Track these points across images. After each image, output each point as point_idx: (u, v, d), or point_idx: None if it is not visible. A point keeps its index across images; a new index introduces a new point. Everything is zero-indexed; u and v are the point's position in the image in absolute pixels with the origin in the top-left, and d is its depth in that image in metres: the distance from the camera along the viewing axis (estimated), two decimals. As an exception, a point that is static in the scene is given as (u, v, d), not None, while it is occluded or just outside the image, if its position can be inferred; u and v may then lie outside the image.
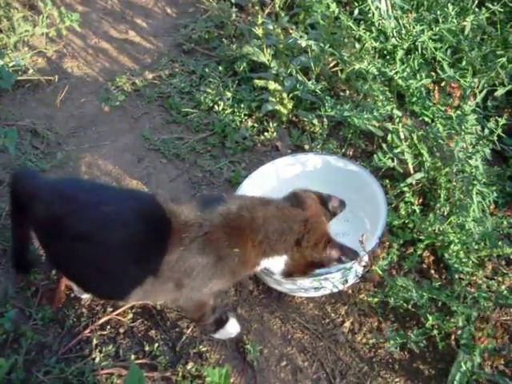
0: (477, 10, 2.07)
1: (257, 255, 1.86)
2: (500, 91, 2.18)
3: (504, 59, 2.21)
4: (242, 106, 2.90)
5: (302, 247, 1.86)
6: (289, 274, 1.94)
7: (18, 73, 3.13)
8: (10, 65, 3.04)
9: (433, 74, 2.29)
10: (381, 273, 1.90)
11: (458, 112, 1.83)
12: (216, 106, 2.94)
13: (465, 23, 2.04)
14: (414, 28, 2.04)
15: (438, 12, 2.00)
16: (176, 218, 1.79)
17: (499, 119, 1.83)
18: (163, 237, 1.78)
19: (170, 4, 3.77)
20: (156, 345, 2.05)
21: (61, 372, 1.96)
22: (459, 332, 1.86)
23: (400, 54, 2.11)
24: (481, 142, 1.87)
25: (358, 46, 2.44)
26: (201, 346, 2.06)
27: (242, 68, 3.06)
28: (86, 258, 1.83)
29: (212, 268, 1.82)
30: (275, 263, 1.90)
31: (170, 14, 3.71)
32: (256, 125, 2.85)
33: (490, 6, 1.96)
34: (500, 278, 2.10)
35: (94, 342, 2.05)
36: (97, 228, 1.81)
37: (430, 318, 1.89)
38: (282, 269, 1.91)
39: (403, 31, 2.09)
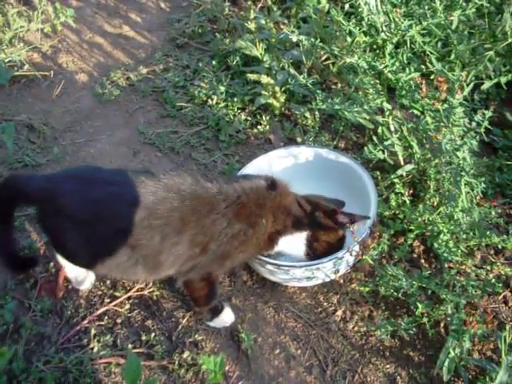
0: (464, 4, 2.10)
1: (278, 231, 2.05)
2: (486, 84, 2.23)
3: (492, 52, 2.26)
4: (236, 99, 2.95)
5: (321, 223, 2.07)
6: (312, 252, 2.09)
7: (14, 68, 3.17)
8: (6, 60, 3.08)
9: (422, 67, 2.33)
10: (372, 262, 1.95)
11: (446, 105, 1.87)
12: (210, 100, 2.98)
13: (452, 18, 2.07)
14: (402, 23, 2.08)
15: (426, 7, 2.04)
16: (210, 191, 1.95)
17: (486, 112, 1.87)
18: (199, 207, 1.92)
19: (164, -2, 3.81)
20: (153, 334, 2.10)
21: (60, 361, 2.01)
22: (449, 319, 1.90)
23: (389, 48, 2.15)
24: (468, 134, 1.91)
25: (349, 39, 2.48)
26: (196, 336, 2.11)
27: (235, 62, 3.10)
28: (126, 235, 1.87)
29: (241, 235, 1.96)
30: (295, 240, 2.08)
31: (163, 8, 3.74)
32: (249, 118, 2.89)
33: (476, 1, 2.00)
34: (488, 267, 2.15)
35: (92, 332, 2.09)
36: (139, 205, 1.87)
37: (420, 306, 1.94)
38: (305, 249, 2.09)
39: (392, 26, 2.13)
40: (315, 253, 2.08)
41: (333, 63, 2.90)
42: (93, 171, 2.05)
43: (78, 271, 2.18)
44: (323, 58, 2.97)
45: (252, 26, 2.87)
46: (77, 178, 1.96)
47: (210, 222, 1.92)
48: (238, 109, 2.93)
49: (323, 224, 2.06)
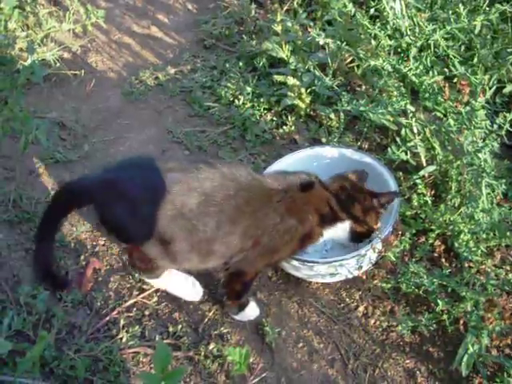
0: (487, 9, 2.14)
1: (322, 224, 2.14)
2: (509, 88, 2.27)
3: (515, 56, 2.29)
4: (262, 100, 3.01)
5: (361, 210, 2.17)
6: (357, 236, 2.19)
7: (46, 67, 3.24)
8: (39, 59, 3.16)
9: (445, 70, 2.37)
10: (394, 259, 2.00)
11: (468, 108, 1.91)
12: (236, 101, 3.04)
13: (475, 22, 2.12)
14: (426, 27, 2.12)
15: (450, 12, 2.08)
16: (264, 184, 2.07)
17: (507, 114, 1.91)
18: (253, 199, 2.02)
19: (191, 0, 3.87)
20: (179, 326, 2.17)
21: (90, 350, 2.07)
22: (468, 316, 1.95)
23: (413, 51, 2.20)
24: (489, 136, 1.95)
25: (373, 42, 2.52)
26: (222, 328, 2.18)
27: (261, 63, 3.16)
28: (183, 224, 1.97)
29: (292, 230, 2.06)
30: (339, 231, 2.17)
31: (190, 9, 3.81)
32: (275, 118, 2.95)
33: (499, 6, 2.04)
34: (508, 267, 2.18)
35: (121, 322, 2.16)
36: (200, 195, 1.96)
37: (440, 303, 1.99)
38: (348, 235, 2.19)
39: (417, 30, 2.18)
40: (360, 238, 2.19)
41: (357, 66, 2.94)
42: (148, 160, 2.12)
43: (180, 283, 2.25)
44: (348, 61, 3.02)
45: (278, 28, 2.93)
46: (134, 166, 2.08)
47: (264, 215, 2.03)
48: (264, 109, 2.99)
49: (364, 212, 2.16)
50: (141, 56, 3.49)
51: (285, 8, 3.43)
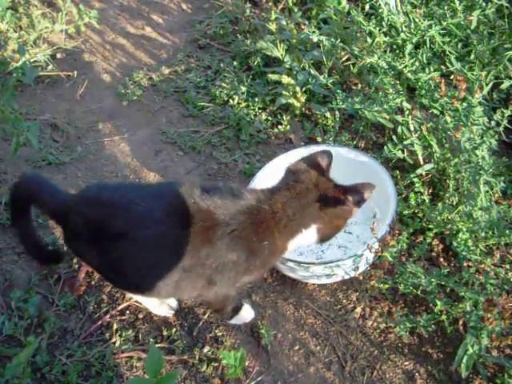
0: (484, 4, 2.11)
1: (285, 240, 1.86)
2: (506, 84, 2.23)
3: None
4: (256, 99, 2.97)
5: (326, 209, 1.84)
6: (326, 237, 1.92)
7: (38, 68, 3.22)
8: (31, 61, 3.13)
9: (442, 67, 2.34)
10: (391, 259, 1.96)
11: (465, 104, 1.88)
12: (231, 100, 3.01)
13: (472, 18, 2.09)
14: (422, 23, 2.09)
15: (446, 7, 2.05)
16: (204, 214, 1.78)
17: (505, 111, 1.88)
18: (194, 234, 1.76)
19: (185, 0, 3.84)
20: (174, 330, 2.13)
21: (83, 355, 2.05)
22: (467, 316, 1.91)
23: (409, 48, 2.17)
24: (487, 133, 1.92)
25: (369, 40, 2.49)
26: (217, 331, 2.14)
27: (256, 63, 3.13)
28: (122, 257, 1.83)
29: (244, 263, 1.83)
30: (306, 237, 1.87)
31: (185, 9, 3.78)
32: (270, 118, 2.92)
33: (496, 1, 2.01)
34: (508, 266, 2.14)
35: (115, 326, 2.13)
36: (131, 226, 1.81)
37: (439, 303, 1.95)
38: (317, 237, 1.89)
39: (412, 26, 2.15)
40: (328, 237, 1.92)
41: (353, 64, 2.91)
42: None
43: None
44: (343, 59, 2.99)
45: (273, 26, 2.89)
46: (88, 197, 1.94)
47: (210, 253, 1.78)
48: (259, 109, 2.96)
49: (332, 212, 1.85)
50: (135, 57, 3.45)
51: (280, 7, 3.40)
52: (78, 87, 3.21)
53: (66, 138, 2.93)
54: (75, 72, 3.28)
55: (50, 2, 3.70)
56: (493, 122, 1.94)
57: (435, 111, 2.19)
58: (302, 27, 3.06)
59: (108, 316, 2.18)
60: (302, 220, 1.83)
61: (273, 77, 2.91)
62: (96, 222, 1.83)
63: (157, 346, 2.08)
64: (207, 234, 1.77)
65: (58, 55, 3.41)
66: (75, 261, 2.33)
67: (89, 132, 2.98)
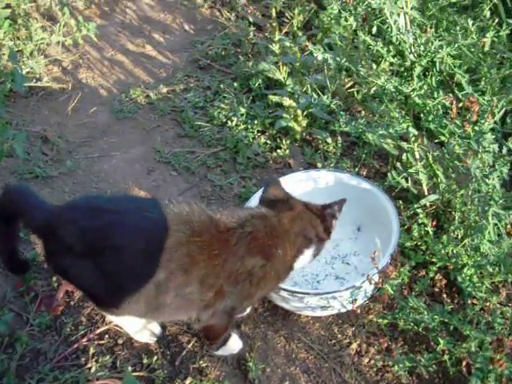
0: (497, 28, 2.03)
1: (294, 256, 1.94)
2: (519, 111, 2.14)
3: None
4: (256, 122, 2.87)
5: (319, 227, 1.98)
6: (317, 253, 2.01)
7: (33, 80, 3.14)
8: (25, 71, 3.05)
9: (450, 95, 2.24)
10: (391, 292, 1.83)
11: (476, 128, 1.77)
12: (229, 122, 2.90)
13: (485, 40, 1.99)
14: (432, 43, 2.00)
15: (458, 28, 1.96)
16: (216, 222, 1.81)
17: (518, 138, 1.77)
18: (206, 244, 1.77)
19: (188, 21, 3.76)
20: (155, 358, 1.99)
21: (54, 380, 1.91)
22: (473, 357, 1.78)
23: (418, 70, 2.07)
24: (498, 161, 1.81)
25: (374, 66, 2.41)
26: (201, 362, 2.00)
27: (257, 84, 3.03)
28: (126, 268, 1.76)
29: (259, 271, 1.84)
30: (306, 257, 1.97)
31: (187, 30, 3.71)
32: (269, 141, 2.81)
33: (510, 21, 1.92)
34: (515, 305, 2.03)
35: (91, 351, 1.99)
36: (141, 236, 1.75)
37: (441, 341, 1.82)
38: (311, 256, 1.98)
39: (421, 47, 2.05)
40: (319, 253, 2.02)
41: (357, 91, 2.82)
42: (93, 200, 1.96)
43: (131, 320, 2.00)
44: (347, 86, 2.90)
45: (276, 48, 2.81)
46: (77, 208, 1.86)
47: (222, 261, 1.78)
48: (258, 131, 2.85)
49: (325, 229, 1.98)
50: (133, 74, 3.36)
51: (284, 30, 3.32)
52: (72, 101, 3.11)
53: (56, 152, 2.82)
54: (70, 85, 3.20)
55: (50, 15, 3.63)
56: (504, 150, 1.82)
57: (443, 138, 2.08)
58: (306, 51, 3.00)
59: (85, 339, 2.04)
60: (304, 239, 1.94)
61: (273, 98, 2.81)
62: (96, 231, 1.75)
63: (135, 374, 1.93)
64: (223, 239, 1.79)
65: (55, 69, 3.32)
66: (55, 279, 2.19)
67: (80, 147, 2.87)
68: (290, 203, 1.96)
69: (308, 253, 1.96)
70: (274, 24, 2.84)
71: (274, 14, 2.89)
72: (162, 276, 1.73)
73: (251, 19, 3.56)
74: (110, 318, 2.06)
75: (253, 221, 1.86)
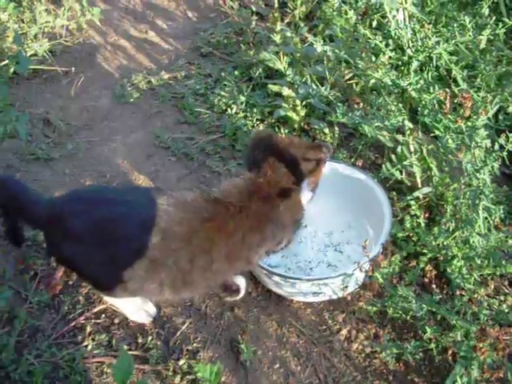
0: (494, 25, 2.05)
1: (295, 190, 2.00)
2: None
3: (520, 78, 2.20)
4: (255, 110, 2.90)
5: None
6: (315, 186, 2.06)
7: (36, 62, 3.16)
8: (29, 53, 3.08)
9: (446, 90, 2.27)
10: (381, 280, 1.88)
11: (469, 123, 1.81)
12: (229, 110, 2.94)
13: (481, 37, 2.02)
14: (430, 39, 2.03)
15: (455, 25, 1.99)
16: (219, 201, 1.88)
17: (510, 134, 1.81)
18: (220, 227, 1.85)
19: (192, 8, 3.78)
20: (149, 338, 2.04)
21: (51, 356, 1.95)
22: (458, 345, 1.83)
23: (415, 65, 2.10)
24: (490, 156, 1.85)
25: (373, 59, 2.43)
26: (194, 343, 2.05)
27: (257, 74, 3.06)
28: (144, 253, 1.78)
29: (278, 214, 1.94)
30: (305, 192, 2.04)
31: (190, 17, 3.73)
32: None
33: (507, 20, 1.95)
34: (502, 297, 2.08)
35: (88, 329, 2.04)
36: (156, 222, 1.78)
37: (429, 330, 1.87)
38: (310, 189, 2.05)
39: (419, 42, 2.09)
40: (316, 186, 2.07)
41: (356, 83, 2.85)
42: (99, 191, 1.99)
43: (128, 301, 2.06)
44: (347, 77, 2.93)
45: (277, 38, 2.84)
46: (82, 199, 1.88)
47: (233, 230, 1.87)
48: (257, 120, 2.89)
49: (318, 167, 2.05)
50: (135, 59, 3.39)
51: (286, 21, 3.35)
52: (75, 84, 3.14)
53: (58, 135, 2.85)
54: (73, 69, 3.22)
55: (54, -2, 3.65)
56: (496, 146, 1.86)
57: (437, 132, 2.12)
58: (307, 42, 3.03)
59: (82, 318, 2.08)
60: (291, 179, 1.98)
61: (273, 88, 2.84)
62: (108, 220, 1.78)
63: (130, 353, 1.97)
64: (234, 215, 1.86)
65: (58, 52, 3.34)
66: (54, 258, 2.23)
67: (81, 130, 2.90)
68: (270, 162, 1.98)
69: (305, 186, 2.01)
70: (276, 14, 2.86)
71: (276, 4, 2.91)
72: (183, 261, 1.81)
73: (254, 8, 3.58)
74: (106, 299, 2.11)
75: (247, 185, 1.94)
